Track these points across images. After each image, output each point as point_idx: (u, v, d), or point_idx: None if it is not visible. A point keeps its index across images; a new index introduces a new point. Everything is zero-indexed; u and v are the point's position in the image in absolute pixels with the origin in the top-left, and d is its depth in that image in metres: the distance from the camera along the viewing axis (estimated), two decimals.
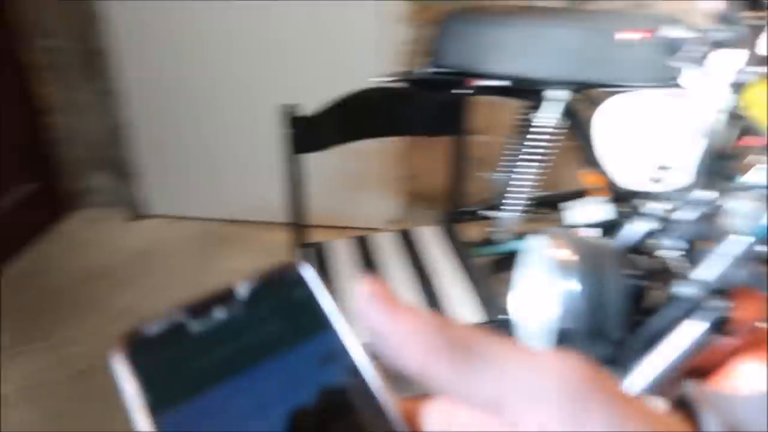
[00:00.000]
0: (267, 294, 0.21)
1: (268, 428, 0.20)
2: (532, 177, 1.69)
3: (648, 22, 1.43)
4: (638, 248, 0.85)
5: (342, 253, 1.52)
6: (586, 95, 1.65)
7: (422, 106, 1.59)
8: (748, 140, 0.80)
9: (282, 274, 0.22)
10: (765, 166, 0.72)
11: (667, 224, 0.80)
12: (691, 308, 0.71)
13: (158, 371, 0.20)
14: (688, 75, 0.90)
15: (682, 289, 0.73)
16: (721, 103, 0.82)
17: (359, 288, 0.21)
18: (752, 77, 0.77)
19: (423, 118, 1.60)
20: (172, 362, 0.20)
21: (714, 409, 0.22)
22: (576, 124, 1.66)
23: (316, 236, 1.55)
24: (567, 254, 0.74)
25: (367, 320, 0.21)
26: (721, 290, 0.70)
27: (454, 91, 1.58)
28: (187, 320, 0.21)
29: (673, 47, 0.90)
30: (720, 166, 0.80)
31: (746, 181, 0.73)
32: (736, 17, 0.80)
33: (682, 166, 1.57)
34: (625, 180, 1.61)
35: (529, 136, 1.65)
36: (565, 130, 1.65)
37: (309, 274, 0.22)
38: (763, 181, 0.70)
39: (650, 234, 0.84)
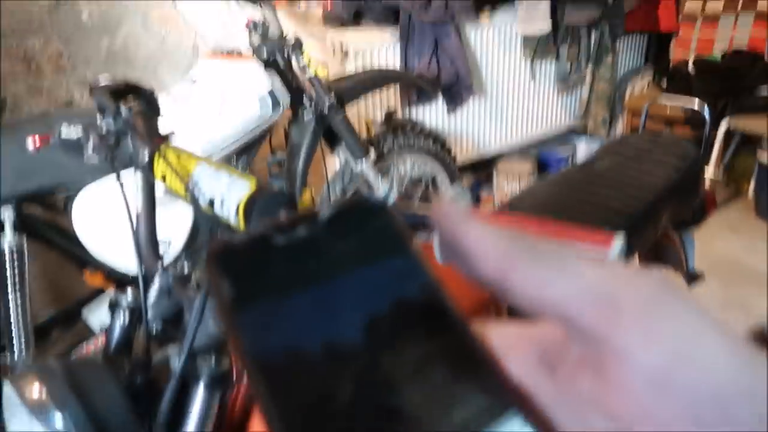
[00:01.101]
0: (346, 218, 0.23)
1: (343, 333, 0.20)
2: (24, 306, 1.50)
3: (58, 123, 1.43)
4: (126, 344, 0.82)
5: None
6: (42, 202, 1.55)
7: None
8: None
9: (359, 203, 0.23)
10: None
11: (138, 311, 0.79)
12: (187, 374, 0.72)
13: (244, 275, 0.21)
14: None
15: (174, 359, 0.73)
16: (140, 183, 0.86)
17: (437, 205, 0.23)
18: (146, 156, 0.82)
19: None
20: (256, 268, 0.21)
21: None
22: (38, 234, 1.54)
23: None
24: (37, 392, 0.65)
25: (447, 230, 0.22)
26: (205, 348, 0.73)
27: None
28: (272, 234, 0.22)
29: (79, 145, 0.89)
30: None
31: None
32: (109, 105, 0.84)
33: (173, 239, 1.62)
34: (126, 265, 1.59)
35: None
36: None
37: (383, 205, 0.23)
38: None
39: (131, 325, 0.82)
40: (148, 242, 0.85)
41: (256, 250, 0.22)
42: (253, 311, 0.20)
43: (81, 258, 1.59)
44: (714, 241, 2.76)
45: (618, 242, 0.50)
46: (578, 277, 0.20)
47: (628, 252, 1.30)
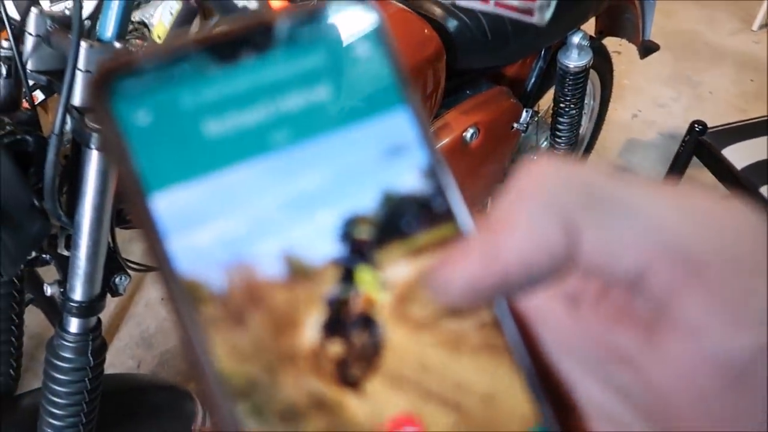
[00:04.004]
0: (320, 41, 0.14)
1: (308, 230, 0.14)
2: None
3: None
4: (10, 99, 0.73)
5: None
6: None
7: None
8: None
9: (343, 15, 0.15)
10: None
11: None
12: (78, 136, 0.64)
13: (156, 128, 0.13)
14: None
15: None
16: None
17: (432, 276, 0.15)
18: None
19: None
20: (176, 117, 0.14)
21: None
22: None
23: None
24: None
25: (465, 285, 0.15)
26: None
27: None
28: (202, 61, 0.14)
29: None
30: None
31: None
32: None
33: None
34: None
35: None
36: None
37: (380, 21, 0.15)
38: None
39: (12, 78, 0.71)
40: None
41: (176, 89, 0.14)
42: (175, 196, 0.14)
43: None
44: (675, 10, 2.64)
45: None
46: (651, 227, 0.14)
47: (582, 12, 1.20)
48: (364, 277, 0.15)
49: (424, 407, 0.15)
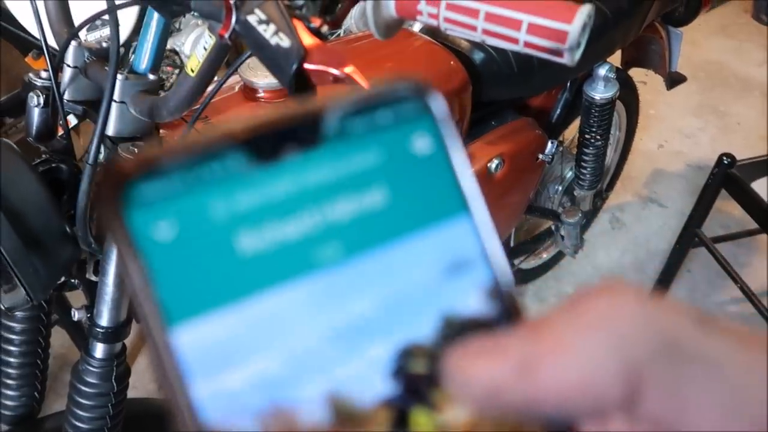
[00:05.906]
0: (373, 135, 0.12)
1: (356, 366, 0.11)
2: None
3: None
4: (46, 128, 0.74)
5: None
6: None
7: None
8: None
9: (399, 101, 0.12)
10: None
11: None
12: None
13: (181, 244, 0.11)
14: None
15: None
16: None
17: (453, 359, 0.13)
18: None
19: None
20: (205, 231, 0.11)
21: None
22: None
23: None
24: None
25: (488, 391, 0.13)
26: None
27: None
28: (237, 160, 0.11)
29: None
30: None
31: None
32: None
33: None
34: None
35: None
36: None
37: (441, 111, 0.12)
38: None
39: (49, 108, 0.73)
40: (58, 9, 0.73)
41: (204, 197, 0.11)
42: (201, 329, 0.11)
43: (24, 41, 1.44)
44: (701, 41, 2.63)
45: (581, 17, 0.40)
46: (736, 394, 0.12)
47: (609, 45, 1.20)
48: (420, 420, 0.12)
49: None
